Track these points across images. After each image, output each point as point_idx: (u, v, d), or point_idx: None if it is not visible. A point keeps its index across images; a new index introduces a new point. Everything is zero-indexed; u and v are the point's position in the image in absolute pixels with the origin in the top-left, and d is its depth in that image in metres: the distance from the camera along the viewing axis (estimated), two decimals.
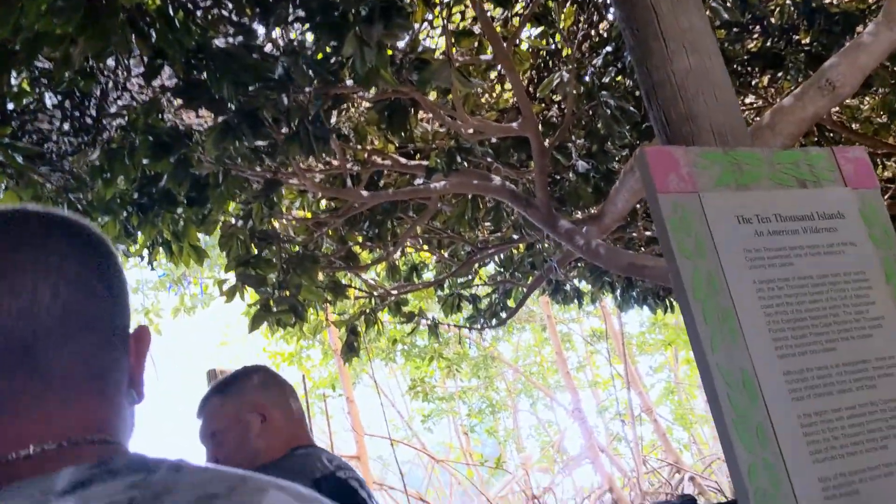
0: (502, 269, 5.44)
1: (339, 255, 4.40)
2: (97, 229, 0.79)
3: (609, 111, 3.16)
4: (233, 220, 3.78)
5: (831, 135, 4.44)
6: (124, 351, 0.75)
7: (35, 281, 0.70)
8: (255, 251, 3.67)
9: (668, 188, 1.71)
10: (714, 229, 1.70)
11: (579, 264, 5.26)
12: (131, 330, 0.78)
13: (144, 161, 2.83)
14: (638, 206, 4.37)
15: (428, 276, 5.73)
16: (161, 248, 3.69)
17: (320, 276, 4.15)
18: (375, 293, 5.05)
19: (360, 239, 4.50)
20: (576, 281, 5.73)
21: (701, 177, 1.76)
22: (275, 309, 3.64)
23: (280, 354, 11.07)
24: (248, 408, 1.78)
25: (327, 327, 6.54)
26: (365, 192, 3.70)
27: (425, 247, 5.16)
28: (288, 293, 3.73)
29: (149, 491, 0.65)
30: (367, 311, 4.98)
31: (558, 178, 3.97)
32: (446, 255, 5.09)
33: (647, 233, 4.73)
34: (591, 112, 3.47)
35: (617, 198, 3.48)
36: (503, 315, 5.63)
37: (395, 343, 9.68)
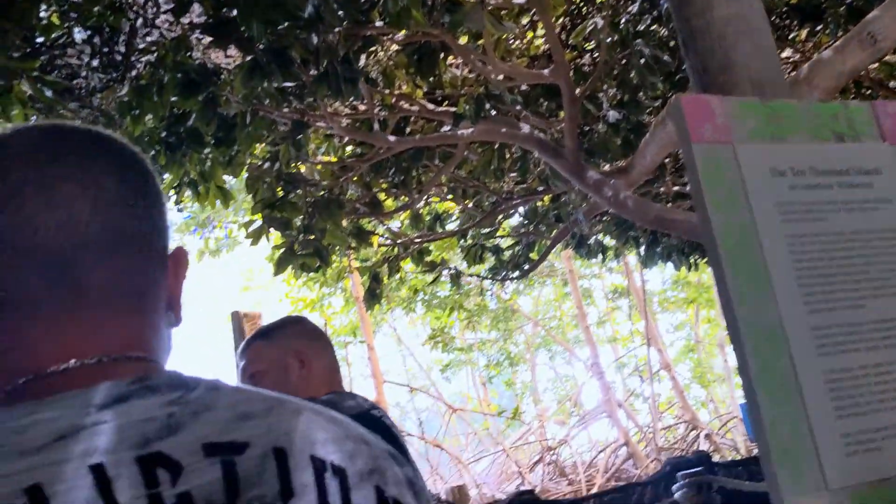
0: (526, 221, 5.42)
1: (363, 201, 4.40)
2: (137, 149, 0.78)
3: (643, 60, 3.10)
4: (259, 163, 3.78)
5: (869, 91, 4.34)
6: (163, 271, 0.74)
7: (74, 196, 0.69)
8: (281, 194, 3.67)
9: (703, 138, 1.68)
10: (747, 181, 1.67)
11: (604, 218, 5.23)
12: (169, 252, 0.77)
13: (173, 99, 2.82)
14: (666, 160, 4.32)
15: (451, 226, 5.73)
16: (188, 189, 3.70)
17: (344, 223, 4.15)
18: (399, 241, 5.05)
19: (384, 186, 4.49)
20: (600, 235, 5.70)
21: (736, 127, 1.73)
22: (299, 252, 3.65)
23: (302, 300, 11.16)
24: (289, 353, 1.86)
25: (350, 274, 6.57)
26: (391, 138, 3.68)
27: (450, 196, 5.14)
28: (313, 237, 3.74)
29: (187, 408, 0.66)
30: (390, 258, 4.99)
31: (587, 128, 3.92)
32: (470, 205, 5.07)
33: (675, 188, 4.68)
34: (624, 61, 3.40)
35: (646, 150, 3.44)
36: (525, 267, 5.63)
37: (416, 293, 9.73)
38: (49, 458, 0.59)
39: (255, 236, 3.86)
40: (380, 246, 5.13)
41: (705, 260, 5.65)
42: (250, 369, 1.87)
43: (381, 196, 4.65)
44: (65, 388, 0.64)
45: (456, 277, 5.38)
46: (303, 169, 4.04)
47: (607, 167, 4.06)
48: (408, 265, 5.52)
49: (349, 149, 4.35)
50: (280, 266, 3.90)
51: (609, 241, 5.81)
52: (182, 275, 0.76)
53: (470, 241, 5.34)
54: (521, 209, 5.32)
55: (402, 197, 4.74)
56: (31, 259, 0.67)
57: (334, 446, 0.71)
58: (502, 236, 5.68)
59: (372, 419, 1.71)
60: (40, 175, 0.69)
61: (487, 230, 5.35)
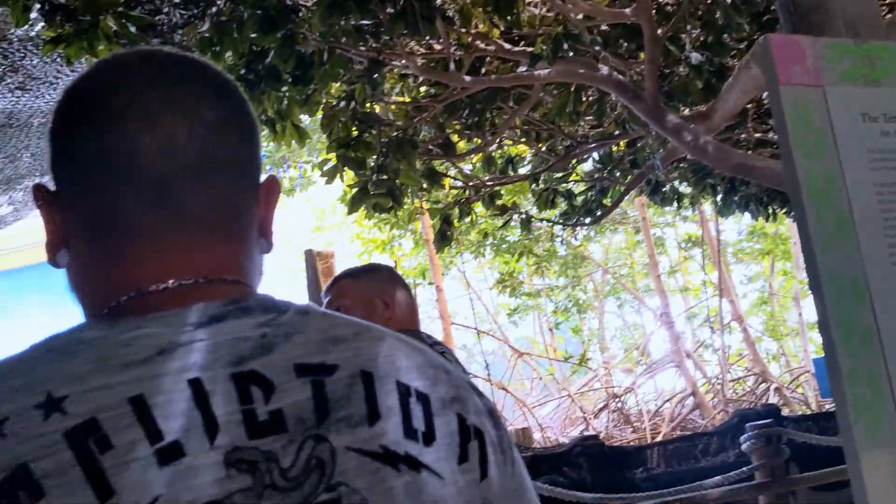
0: (600, 166, 5.33)
1: (436, 142, 4.39)
2: (231, 77, 0.79)
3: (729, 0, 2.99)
4: (334, 102, 3.80)
5: None
6: (255, 199, 0.76)
7: (174, 121, 0.71)
8: (356, 133, 3.70)
9: (791, 80, 1.62)
10: (837, 126, 1.61)
11: (681, 164, 5.11)
12: (261, 180, 0.79)
13: (252, 36, 2.85)
14: (749, 105, 4.18)
15: (523, 169, 5.68)
16: (265, 128, 3.75)
17: (417, 164, 4.16)
18: (470, 184, 5.05)
19: (457, 127, 4.47)
20: (676, 182, 5.58)
21: (827, 70, 1.66)
22: (373, 192, 3.69)
23: (373, 241, 11.28)
24: (375, 293, 2.00)
25: (421, 215, 6.62)
26: (467, 78, 3.65)
27: (523, 139, 5.09)
28: (386, 177, 3.77)
29: (279, 330, 0.68)
30: (461, 201, 4.99)
31: (668, 70, 3.81)
32: (544, 148, 5.01)
33: (757, 134, 4.54)
34: (709, 0, 3.28)
35: (729, 95, 3.34)
36: (598, 213, 5.56)
37: (485, 237, 9.73)
38: (150, 371, 0.62)
39: (330, 175, 3.90)
40: (451, 188, 5.14)
41: (784, 210, 5.49)
42: (336, 303, 1.98)
43: (454, 138, 4.63)
44: (163, 307, 0.67)
45: (526, 222, 5.36)
46: (377, 109, 4.05)
47: (687, 111, 3.96)
48: (478, 208, 5.51)
49: (423, 89, 4.33)
50: (353, 205, 3.94)
51: (685, 188, 5.68)
52: (273, 203, 0.78)
53: (542, 186, 5.29)
54: (595, 154, 5.24)
55: (475, 139, 4.72)
56: (132, 182, 0.69)
57: (417, 373, 0.73)
58: (575, 181, 5.61)
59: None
60: (141, 100, 0.71)
61: (560, 174, 5.29)
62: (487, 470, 0.73)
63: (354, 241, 11.90)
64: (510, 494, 0.76)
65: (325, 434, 0.64)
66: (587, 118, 4.69)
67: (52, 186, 0.74)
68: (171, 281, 0.68)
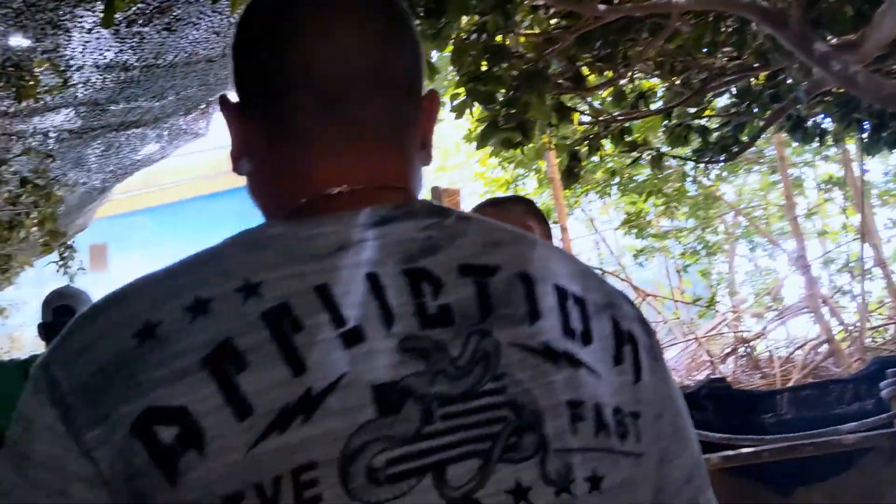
0: (738, 100, 5.12)
1: (566, 75, 4.33)
2: None
3: None
4: (465, 36, 3.79)
5: None
6: (419, 112, 0.81)
7: (348, 34, 0.76)
8: (486, 67, 3.69)
9: None
10: None
11: (826, 98, 4.84)
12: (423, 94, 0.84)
13: None
14: None
15: (656, 104, 5.52)
16: None
17: (547, 98, 4.12)
18: (600, 119, 4.96)
19: (589, 60, 4.38)
20: (819, 118, 5.29)
21: None
22: (502, 127, 3.69)
23: (496, 181, 11.29)
24: (515, 221, 1.96)
25: (549, 150, 6.57)
26: (601, 7, 3.56)
27: (656, 72, 4.94)
28: (515, 111, 3.76)
29: (443, 232, 0.73)
30: (591, 136, 4.92)
31: None
32: (678, 82, 4.84)
33: None
34: None
35: (882, 22, 3.14)
36: (734, 150, 5.36)
37: (612, 175, 9.55)
38: (332, 264, 0.68)
39: (459, 110, 3.93)
40: (579, 124, 5.07)
41: None
42: None
43: (585, 71, 4.55)
44: (337, 210, 0.73)
45: (657, 159, 5.23)
46: (508, 42, 4.02)
47: (835, 40, 3.73)
48: (606, 146, 5.41)
49: (554, 21, 4.26)
50: (482, 141, 3.96)
51: (828, 124, 5.38)
52: (434, 117, 0.83)
53: (674, 121, 5.13)
54: (732, 87, 5.03)
55: (607, 72, 4.62)
56: (309, 93, 0.75)
57: (572, 279, 0.77)
58: (710, 116, 5.41)
59: None
60: (316, 15, 0.76)
61: (694, 109, 5.12)
62: (641, 374, 0.76)
63: (477, 180, 11.95)
64: (662, 399, 0.79)
65: (489, 329, 0.68)
66: (725, 49, 4.50)
67: (234, 98, 0.81)
68: (343, 186, 0.74)
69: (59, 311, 2.97)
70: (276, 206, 0.77)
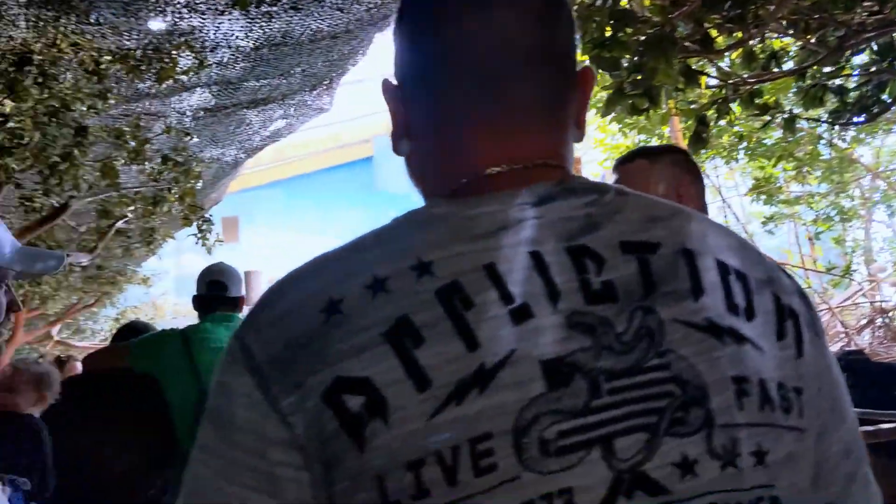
0: (878, 58, 4.82)
1: (693, 38, 4.20)
2: None
3: None
4: (589, 1, 3.74)
5: None
6: (573, 89, 0.81)
7: (507, 16, 0.78)
8: (611, 33, 3.63)
9: None
10: None
11: None
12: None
13: None
14: None
15: (788, 65, 5.27)
16: None
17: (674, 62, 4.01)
18: (729, 81, 4.79)
19: (717, 21, 4.23)
20: None
21: None
22: (628, 93, 3.63)
23: (615, 148, 11.07)
24: (670, 181, 1.82)
25: (675, 116, 6.40)
26: None
27: (790, 31, 4.72)
28: (641, 77, 3.68)
29: (603, 209, 0.75)
30: (719, 100, 4.76)
31: None
32: (812, 40, 4.61)
33: None
34: None
35: None
36: (874, 110, 5.06)
37: (740, 140, 9.19)
38: (496, 243, 0.70)
39: None
40: (707, 87, 4.91)
41: None
42: (625, 183, 1.87)
43: (713, 33, 4.40)
44: (498, 189, 0.75)
45: (790, 122, 5.01)
46: (633, 6, 3.93)
47: None
48: (736, 109, 5.22)
49: None
50: (608, 108, 3.91)
51: None
52: (588, 93, 0.83)
53: (809, 82, 4.90)
54: (873, 44, 4.74)
55: (736, 33, 4.44)
56: (470, 74, 0.77)
57: (732, 253, 0.77)
58: (847, 75, 5.13)
59: None
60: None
61: (830, 69, 4.86)
62: (803, 349, 0.76)
63: (597, 147, 11.73)
64: (822, 373, 0.78)
65: (653, 306, 0.70)
66: (866, 3, 4.24)
67: (395, 80, 0.84)
68: (503, 166, 0.76)
69: (212, 285, 3.15)
70: (436, 186, 0.79)
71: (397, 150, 0.84)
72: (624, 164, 1.88)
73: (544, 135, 0.78)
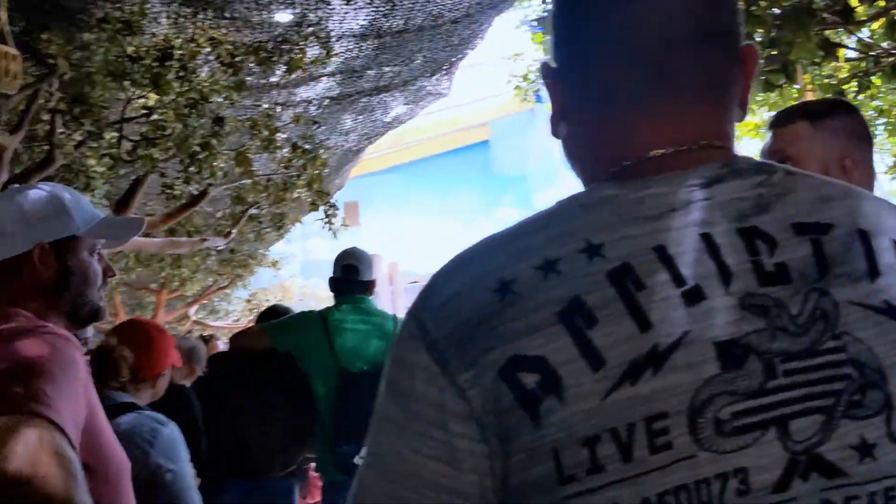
0: None
1: (832, 9, 4.01)
2: None
3: None
4: None
5: None
6: (737, 68, 0.79)
7: None
8: (745, 6, 3.51)
9: None
10: None
11: None
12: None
13: None
14: None
15: None
16: None
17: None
18: (871, 53, 4.55)
19: None
20: None
21: None
22: (763, 69, 3.50)
23: (744, 126, 10.63)
24: (836, 151, 1.58)
25: (810, 91, 6.11)
26: None
27: None
28: (776, 52, 3.55)
29: (773, 190, 0.73)
30: (860, 73, 4.53)
31: None
32: None
33: None
34: None
35: None
36: None
37: (880, 114, 8.68)
38: (665, 225, 0.70)
39: None
40: (846, 60, 4.68)
41: None
42: (783, 149, 1.58)
43: (853, 3, 4.18)
44: (663, 171, 0.74)
45: None
46: None
47: None
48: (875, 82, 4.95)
49: None
50: None
51: None
52: (752, 71, 0.81)
53: None
54: None
55: (877, 2, 4.21)
56: (634, 57, 0.76)
57: None
58: None
59: None
60: None
61: None
62: None
63: None
64: None
65: (827, 288, 0.68)
66: None
67: (553, 64, 0.83)
68: (668, 147, 0.75)
69: (346, 269, 3.26)
70: (595, 168, 0.78)
71: (555, 132, 0.84)
72: (782, 125, 1.63)
73: (708, 115, 0.77)
